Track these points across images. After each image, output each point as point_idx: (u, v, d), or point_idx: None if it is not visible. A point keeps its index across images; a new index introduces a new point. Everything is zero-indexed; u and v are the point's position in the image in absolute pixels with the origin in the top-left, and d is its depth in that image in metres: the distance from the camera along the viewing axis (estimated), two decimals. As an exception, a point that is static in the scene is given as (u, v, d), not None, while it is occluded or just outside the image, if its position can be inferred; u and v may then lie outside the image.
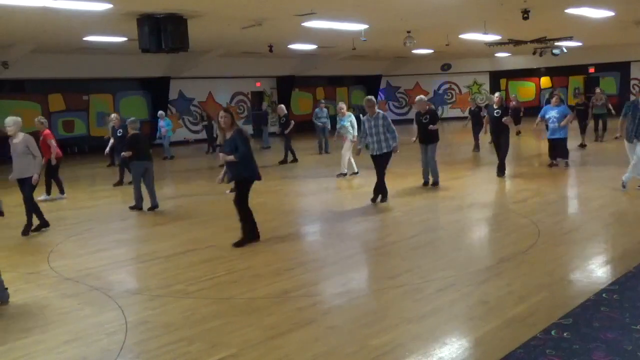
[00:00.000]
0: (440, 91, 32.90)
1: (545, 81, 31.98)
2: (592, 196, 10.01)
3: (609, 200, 9.52)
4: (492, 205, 9.90)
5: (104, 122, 18.47)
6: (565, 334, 4.38)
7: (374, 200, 10.04)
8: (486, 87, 32.82)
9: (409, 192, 11.04)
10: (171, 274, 6.46)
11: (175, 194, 12.34)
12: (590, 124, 17.37)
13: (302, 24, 14.53)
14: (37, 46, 17.06)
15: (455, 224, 8.47)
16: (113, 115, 14.73)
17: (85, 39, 15.80)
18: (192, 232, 8.51)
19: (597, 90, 18.68)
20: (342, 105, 13.83)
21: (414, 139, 11.55)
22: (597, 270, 6.04)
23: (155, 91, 23.68)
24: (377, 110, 9.91)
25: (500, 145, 12.07)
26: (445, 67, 32.25)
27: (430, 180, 11.42)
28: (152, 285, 6.14)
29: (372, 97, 10.19)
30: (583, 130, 16.84)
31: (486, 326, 4.65)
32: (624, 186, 10.01)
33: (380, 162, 9.88)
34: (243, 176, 7.40)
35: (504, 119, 11.73)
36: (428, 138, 11.23)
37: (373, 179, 11.54)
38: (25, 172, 8.49)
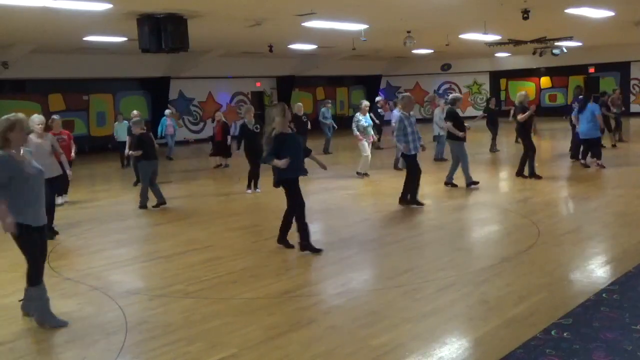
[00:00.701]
0: (440, 91, 32.86)
1: (545, 81, 31.99)
2: (592, 196, 10.02)
3: (608, 200, 9.53)
4: (492, 205, 9.89)
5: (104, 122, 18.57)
6: (565, 334, 4.39)
7: (415, 203, 9.57)
8: (486, 87, 32.83)
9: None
10: (171, 274, 6.46)
11: (176, 194, 12.33)
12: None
13: (302, 24, 14.53)
14: (37, 46, 17.06)
15: (455, 224, 8.48)
16: (135, 112, 14.50)
17: (85, 39, 15.79)
18: (192, 232, 8.51)
19: (617, 90, 18.69)
20: (367, 103, 13.39)
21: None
22: (597, 270, 6.05)
23: (155, 91, 23.68)
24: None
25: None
26: (445, 67, 32.25)
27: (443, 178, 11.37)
28: (152, 285, 6.14)
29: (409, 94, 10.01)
30: (611, 130, 16.43)
31: (486, 326, 4.65)
32: None
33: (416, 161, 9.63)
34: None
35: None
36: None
37: (375, 180, 11.56)
38: (54, 171, 8.33)
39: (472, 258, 6.69)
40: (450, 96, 11.79)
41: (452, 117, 11.00)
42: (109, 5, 10.85)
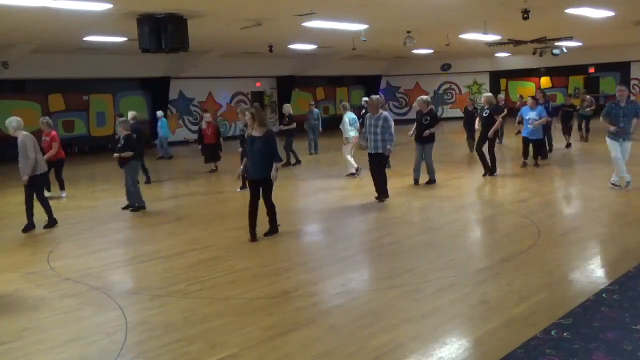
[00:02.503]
0: (440, 91, 32.89)
1: (545, 81, 31.98)
2: (592, 196, 10.01)
3: (608, 200, 9.52)
4: (492, 205, 9.89)
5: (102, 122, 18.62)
6: (565, 334, 4.39)
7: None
8: (486, 87, 32.82)
9: (408, 192, 11.05)
10: (171, 274, 6.46)
11: (175, 194, 12.34)
12: (575, 124, 18.07)
13: (302, 24, 14.52)
14: (37, 46, 17.06)
15: (455, 224, 8.47)
16: (131, 114, 14.36)
17: (85, 39, 15.79)
18: (192, 232, 8.51)
19: (587, 95, 19.21)
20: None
21: (411, 132, 11.72)
22: (597, 270, 6.05)
23: (155, 91, 23.68)
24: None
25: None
26: (445, 67, 32.24)
27: (427, 179, 11.59)
28: (152, 285, 6.14)
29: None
30: (568, 131, 17.24)
31: (486, 326, 4.65)
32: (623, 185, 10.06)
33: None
34: (267, 175, 7.64)
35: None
36: (425, 137, 11.34)
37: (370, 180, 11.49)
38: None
39: (472, 258, 6.69)
40: (429, 99, 12.02)
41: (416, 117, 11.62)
42: (109, 5, 10.84)
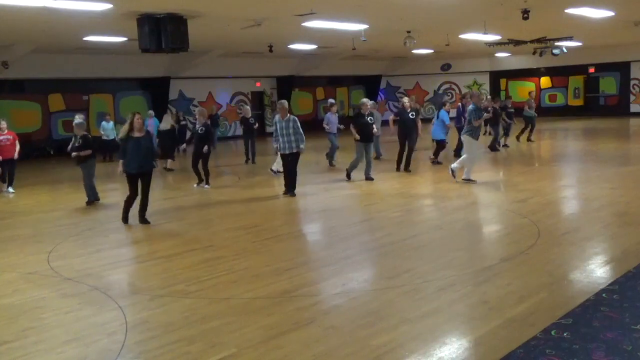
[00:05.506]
0: (440, 91, 32.89)
1: (545, 81, 31.99)
2: (592, 196, 10.01)
3: (608, 200, 9.52)
4: (491, 205, 9.89)
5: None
6: (565, 334, 4.39)
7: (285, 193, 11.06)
8: (486, 87, 32.82)
9: (407, 192, 11.05)
10: (171, 274, 6.46)
11: (175, 193, 12.33)
12: (519, 126, 19.18)
13: (302, 24, 14.54)
14: (37, 46, 17.06)
15: (455, 224, 8.47)
16: (78, 116, 14.51)
17: (85, 39, 15.80)
18: (192, 232, 8.51)
19: (529, 97, 20.07)
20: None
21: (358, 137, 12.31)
22: (597, 270, 6.04)
23: (155, 91, 23.68)
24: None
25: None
26: (445, 67, 32.24)
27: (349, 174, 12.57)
28: (152, 285, 6.14)
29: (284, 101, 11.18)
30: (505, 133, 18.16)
31: (486, 326, 4.65)
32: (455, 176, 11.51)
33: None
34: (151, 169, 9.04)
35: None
36: (370, 137, 12.25)
37: (374, 181, 11.57)
38: None
39: (472, 258, 6.68)
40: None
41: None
42: (109, 5, 10.85)
